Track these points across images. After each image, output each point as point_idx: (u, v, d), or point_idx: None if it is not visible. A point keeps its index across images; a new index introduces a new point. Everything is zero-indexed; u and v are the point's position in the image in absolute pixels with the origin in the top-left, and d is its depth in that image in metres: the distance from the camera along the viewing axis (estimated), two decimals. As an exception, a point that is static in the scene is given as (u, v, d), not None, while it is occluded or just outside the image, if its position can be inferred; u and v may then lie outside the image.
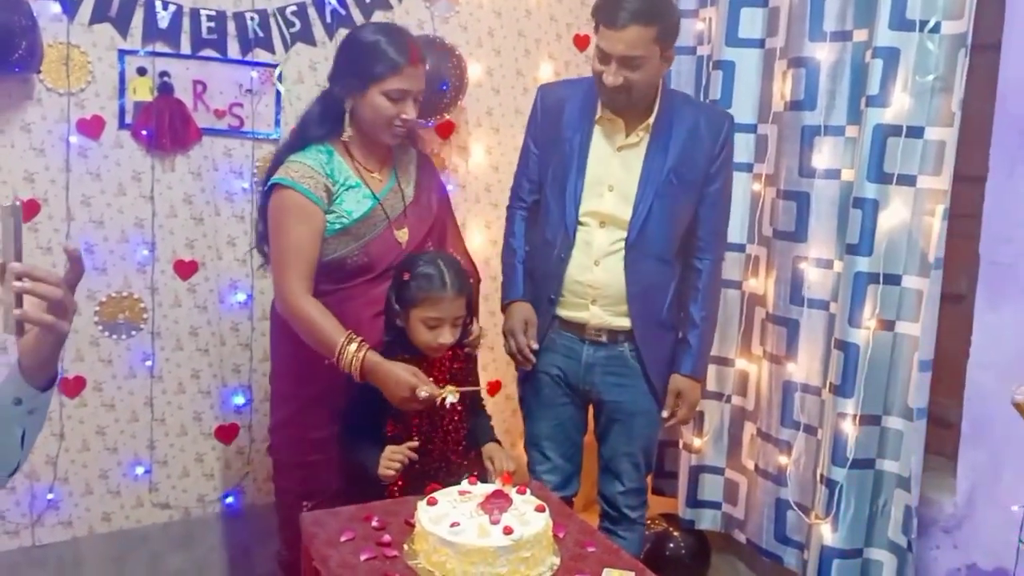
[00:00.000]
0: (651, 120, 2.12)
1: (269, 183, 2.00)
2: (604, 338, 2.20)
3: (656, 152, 2.12)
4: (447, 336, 1.91)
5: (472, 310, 2.05)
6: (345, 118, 2.02)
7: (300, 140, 2.05)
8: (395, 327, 1.97)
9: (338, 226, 2.00)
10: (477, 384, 2.10)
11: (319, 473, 2.10)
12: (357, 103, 2.00)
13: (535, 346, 2.20)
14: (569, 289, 2.19)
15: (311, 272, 1.98)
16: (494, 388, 3.06)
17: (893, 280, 2.12)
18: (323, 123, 2.04)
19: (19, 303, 1.07)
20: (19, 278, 1.06)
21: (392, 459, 1.86)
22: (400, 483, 1.92)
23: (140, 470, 2.64)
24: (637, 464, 2.30)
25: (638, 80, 2.02)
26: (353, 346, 1.89)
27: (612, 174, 2.15)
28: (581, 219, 2.16)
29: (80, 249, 1.04)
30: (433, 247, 2.13)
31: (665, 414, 2.25)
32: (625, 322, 2.17)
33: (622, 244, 2.13)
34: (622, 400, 2.23)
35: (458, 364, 2.03)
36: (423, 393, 1.84)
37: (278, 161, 2.04)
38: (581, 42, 3.08)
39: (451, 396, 1.86)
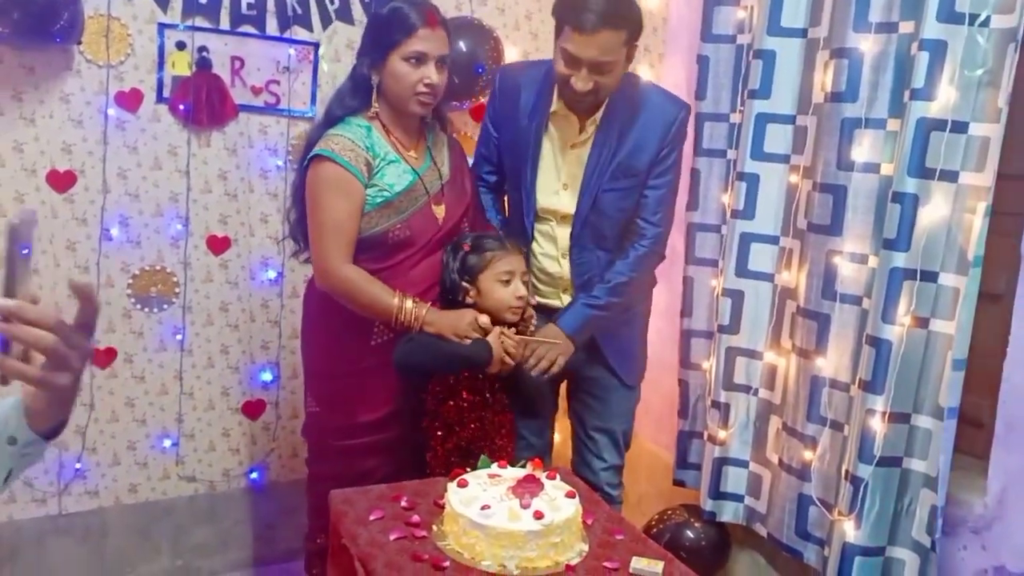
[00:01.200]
0: (598, 115, 2.11)
1: (309, 155, 2.00)
2: None
3: (601, 146, 2.12)
4: (522, 288, 2.00)
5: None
6: (373, 93, 2.03)
7: (331, 116, 2.06)
8: (460, 305, 2.01)
9: (380, 199, 2.00)
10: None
11: (366, 459, 2.09)
12: (383, 76, 2.01)
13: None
14: (539, 279, 2.24)
15: (351, 246, 1.98)
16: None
17: (930, 277, 2.09)
18: (353, 98, 2.05)
19: (5, 347, 0.87)
20: (5, 318, 0.86)
21: (505, 340, 1.94)
22: (443, 455, 1.94)
23: (168, 443, 2.67)
24: (616, 440, 2.34)
25: (608, 83, 2.01)
26: (409, 302, 1.94)
27: (566, 171, 2.16)
28: (541, 214, 2.19)
29: (92, 287, 0.85)
30: (468, 228, 2.14)
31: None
32: None
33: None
34: (597, 376, 2.25)
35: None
36: (483, 319, 1.93)
37: (313, 138, 2.05)
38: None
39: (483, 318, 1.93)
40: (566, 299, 2.22)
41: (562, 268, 2.19)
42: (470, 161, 2.34)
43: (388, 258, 2.03)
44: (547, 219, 2.18)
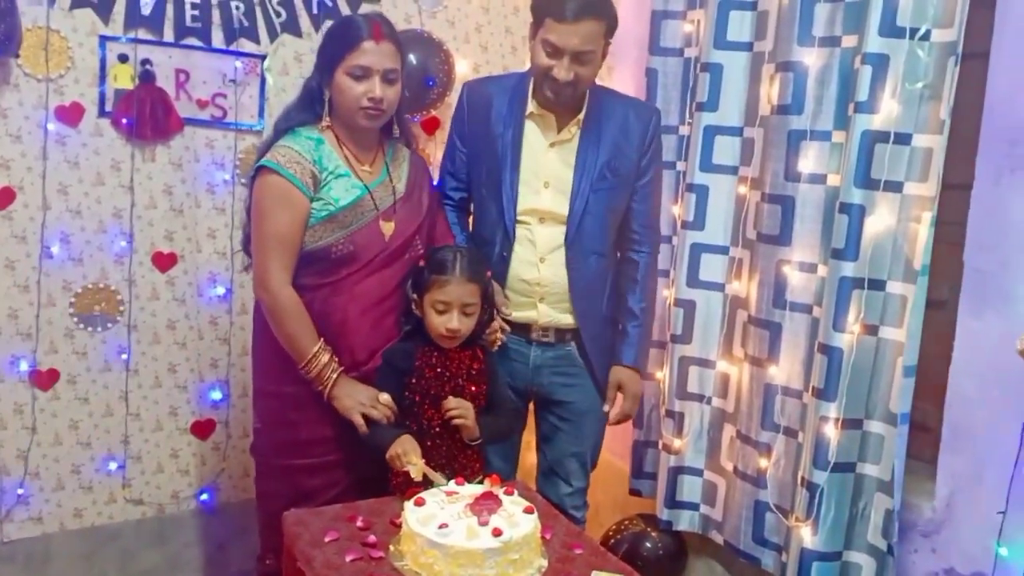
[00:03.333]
0: (581, 116, 2.14)
1: (254, 166, 1.99)
2: (551, 337, 2.22)
3: (589, 147, 2.15)
4: (454, 321, 1.91)
5: (490, 305, 2.05)
6: (324, 106, 2.02)
7: (279, 128, 2.05)
8: (413, 316, 1.99)
9: (324, 213, 1.98)
10: (491, 385, 2.06)
11: (311, 478, 2.05)
12: (332, 90, 2.00)
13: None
14: (514, 288, 2.19)
15: (292, 261, 1.96)
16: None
17: (878, 285, 2.13)
18: (300, 111, 2.04)
19: None
20: None
21: (408, 458, 1.83)
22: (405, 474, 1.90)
23: (113, 465, 2.60)
24: (584, 463, 2.33)
25: (587, 74, 2.05)
26: (325, 357, 1.93)
27: (548, 170, 2.16)
28: (520, 217, 2.17)
29: None
30: (421, 245, 2.11)
31: (606, 408, 2.26)
32: (571, 319, 2.20)
33: (562, 240, 2.16)
34: (572, 400, 2.25)
35: (477, 364, 2.01)
36: (384, 396, 1.91)
37: (263, 150, 2.03)
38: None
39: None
40: (543, 309, 2.18)
41: (540, 273, 2.16)
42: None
43: (331, 273, 2.00)
44: (526, 222, 2.16)
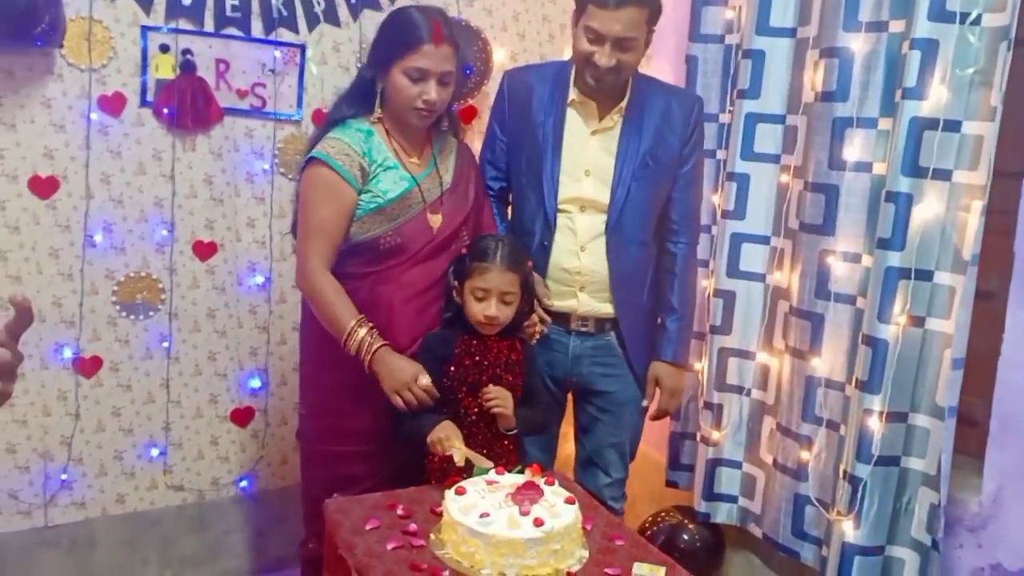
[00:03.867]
0: (624, 103, 2.12)
1: (305, 157, 1.99)
2: (591, 327, 2.20)
3: (631, 135, 2.13)
4: (492, 309, 1.91)
5: (529, 296, 2.04)
6: (376, 98, 2.01)
7: (332, 118, 2.05)
8: (454, 303, 1.99)
9: (373, 205, 1.98)
10: (528, 377, 2.04)
11: (352, 465, 2.06)
12: (385, 84, 1.99)
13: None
14: (554, 277, 2.17)
15: (333, 251, 1.97)
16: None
17: (925, 276, 2.09)
18: (352, 103, 2.04)
19: None
20: None
21: (450, 443, 1.82)
22: (442, 463, 1.90)
23: (155, 452, 2.63)
24: (623, 454, 2.31)
25: (630, 61, 2.04)
26: (363, 331, 1.90)
27: (588, 158, 2.14)
28: (561, 205, 2.15)
29: (29, 300, 0.91)
30: (468, 236, 2.11)
31: (645, 403, 2.25)
32: (611, 309, 2.18)
33: (603, 228, 2.14)
34: (612, 390, 2.23)
35: (515, 355, 2.01)
36: (423, 380, 1.86)
37: (315, 139, 2.04)
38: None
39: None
40: (583, 298, 2.17)
41: (580, 262, 2.15)
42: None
43: (378, 263, 2.01)
44: (567, 211, 2.15)
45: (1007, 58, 1.92)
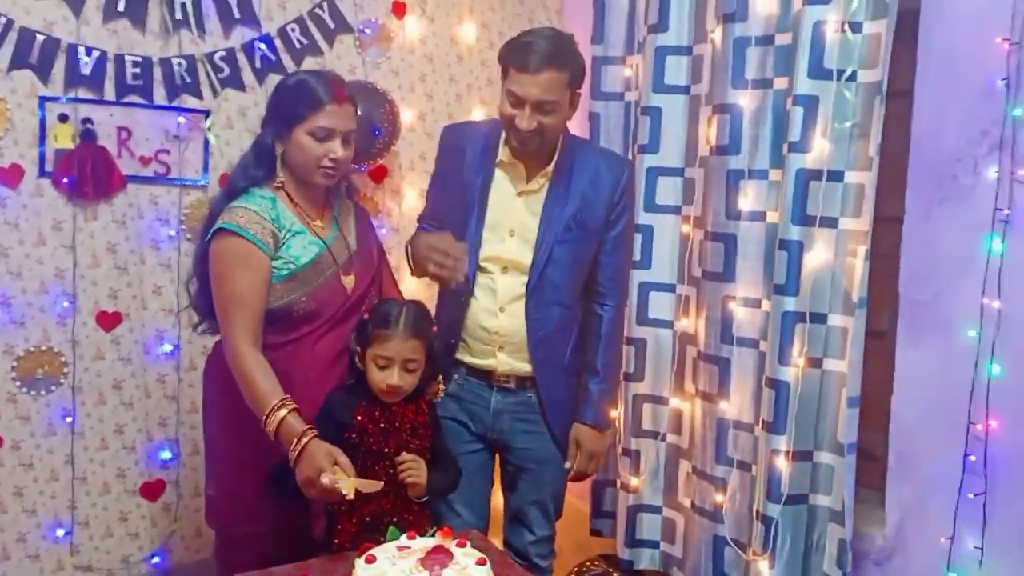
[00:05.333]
0: (551, 168, 2.14)
1: (213, 229, 1.92)
2: (512, 384, 2.18)
3: (556, 199, 2.13)
4: (395, 377, 1.86)
5: (434, 361, 1.99)
6: (277, 163, 1.98)
7: (235, 187, 2.00)
8: (356, 369, 1.93)
9: (286, 272, 1.94)
10: (434, 438, 2.00)
11: (267, 544, 1.95)
12: (287, 146, 1.96)
13: (465, 262, 2.02)
14: (474, 336, 2.16)
15: (258, 321, 1.90)
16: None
17: (819, 319, 2.18)
18: (257, 168, 1.99)
19: None
20: None
21: (332, 476, 1.70)
22: (351, 530, 1.86)
23: (60, 532, 2.53)
24: (547, 512, 2.28)
25: (551, 124, 2.04)
26: (284, 411, 1.79)
27: (513, 218, 2.14)
28: (482, 264, 2.14)
29: None
30: (375, 297, 2.09)
31: (568, 465, 2.24)
32: (530, 368, 2.16)
33: (523, 289, 2.13)
34: (531, 447, 2.21)
35: (420, 417, 1.96)
36: (325, 479, 1.71)
37: (216, 210, 1.98)
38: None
39: (346, 490, 1.70)
40: (502, 357, 2.15)
41: (499, 322, 2.13)
42: (376, 219, 2.32)
43: (293, 330, 1.97)
44: (488, 270, 2.14)
45: (881, 111, 2.05)
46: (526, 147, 2.08)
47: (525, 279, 2.13)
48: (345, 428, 1.88)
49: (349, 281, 2.04)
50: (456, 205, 2.17)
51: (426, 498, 1.93)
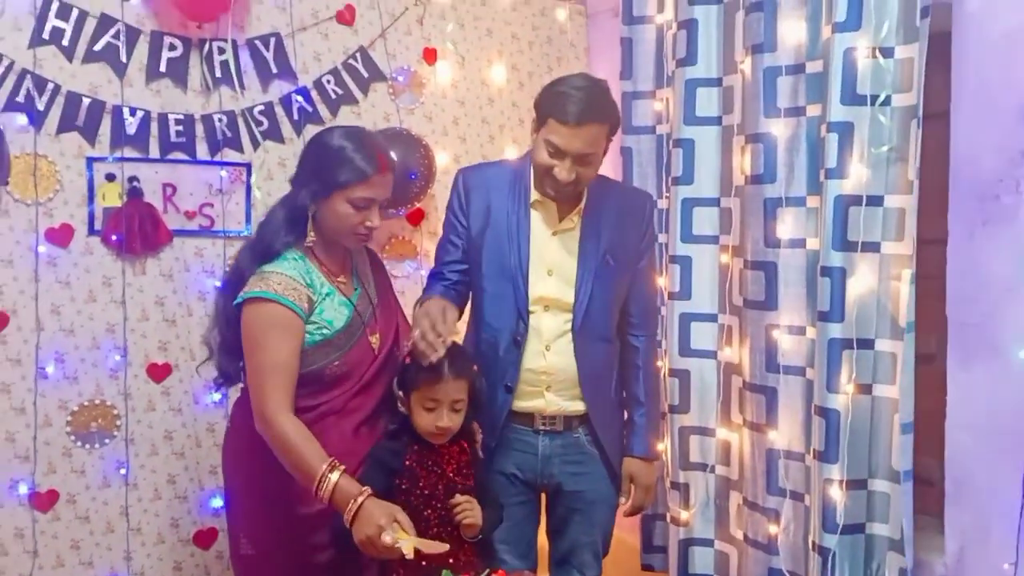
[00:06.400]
0: (583, 205, 2.14)
1: (247, 295, 1.88)
2: (559, 425, 2.16)
3: (590, 235, 2.14)
4: (445, 420, 1.88)
5: (477, 399, 2.00)
6: (308, 223, 1.95)
7: (267, 248, 1.95)
8: (399, 414, 1.94)
9: (319, 337, 1.92)
10: (478, 476, 2.01)
11: None
12: (320, 208, 1.93)
13: (449, 340, 1.93)
14: (522, 379, 2.13)
15: (293, 388, 1.87)
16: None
17: (867, 344, 2.16)
18: (290, 230, 1.95)
19: None
20: None
21: (393, 535, 1.69)
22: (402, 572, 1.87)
23: (117, 584, 2.56)
24: (597, 553, 2.26)
25: (589, 174, 2.05)
26: (335, 475, 1.76)
27: (552, 258, 2.14)
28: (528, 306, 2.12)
29: None
30: (399, 348, 2.07)
31: (622, 500, 2.24)
32: (579, 406, 2.15)
33: (568, 327, 2.12)
34: (583, 489, 2.20)
35: (464, 457, 1.98)
36: (387, 538, 1.69)
37: (244, 267, 1.95)
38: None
39: (407, 550, 1.69)
40: (550, 397, 2.13)
41: (547, 362, 2.12)
42: (415, 261, 2.29)
43: (325, 393, 1.95)
44: (532, 310, 2.12)
45: (918, 134, 2.04)
46: (561, 195, 2.09)
47: (568, 316, 2.13)
48: (396, 474, 1.89)
49: (375, 340, 2.03)
50: (493, 247, 2.15)
51: (480, 538, 1.94)
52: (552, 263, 2.14)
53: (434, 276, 2.23)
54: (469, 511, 1.88)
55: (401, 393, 1.94)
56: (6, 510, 2.40)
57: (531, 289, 2.12)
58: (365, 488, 1.77)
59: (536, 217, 2.16)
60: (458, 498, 1.89)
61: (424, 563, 1.84)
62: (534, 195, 2.14)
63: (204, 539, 2.67)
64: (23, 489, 2.42)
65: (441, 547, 1.75)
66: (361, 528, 1.72)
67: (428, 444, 1.93)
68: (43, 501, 2.45)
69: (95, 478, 2.51)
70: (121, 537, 2.56)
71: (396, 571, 1.88)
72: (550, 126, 2.00)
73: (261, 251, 1.95)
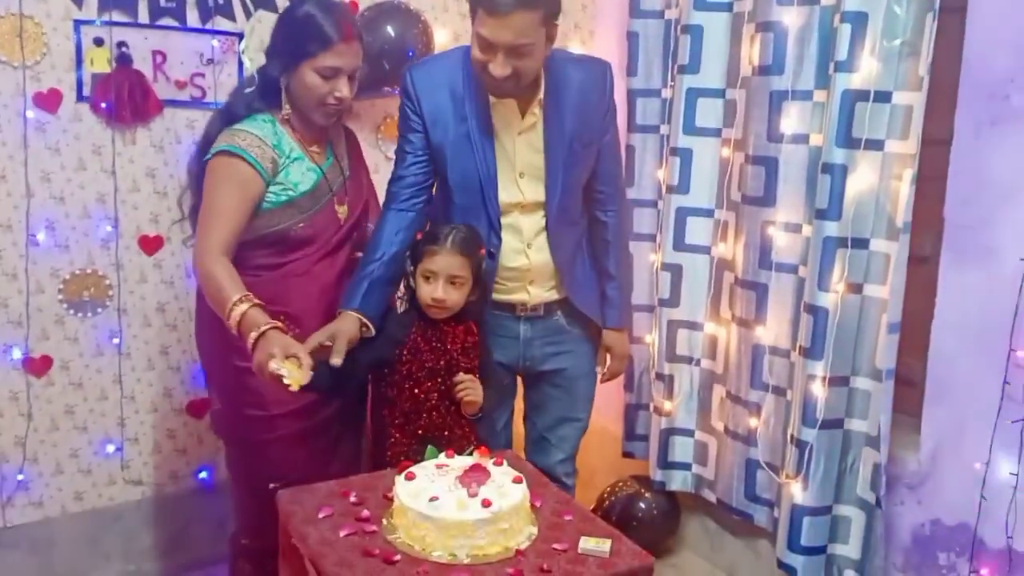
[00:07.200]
0: (541, 95, 2.03)
1: (214, 150, 1.94)
2: (540, 311, 2.19)
3: (554, 126, 2.05)
4: (440, 291, 1.93)
5: (482, 284, 2.04)
6: (282, 95, 1.99)
7: (236, 113, 2.00)
8: (409, 288, 2.02)
9: (284, 198, 1.98)
10: (482, 359, 2.06)
11: (277, 454, 2.03)
12: (291, 80, 1.97)
13: (337, 362, 1.86)
14: (504, 276, 2.13)
15: (233, 239, 1.92)
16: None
17: (861, 244, 2.15)
18: (260, 100, 2.01)
19: None
20: None
21: (278, 364, 1.69)
22: (404, 442, 1.97)
23: (111, 448, 2.62)
24: (579, 429, 2.34)
25: (528, 66, 1.90)
26: (246, 305, 1.79)
27: (520, 160, 2.07)
28: (503, 209, 2.08)
29: None
30: (366, 222, 2.14)
31: (599, 370, 2.31)
32: (557, 294, 2.18)
33: (543, 223, 2.11)
34: (564, 367, 2.24)
35: (471, 338, 2.03)
36: (272, 364, 1.70)
37: (213, 133, 2.00)
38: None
39: (289, 380, 1.70)
40: (534, 291, 2.15)
41: (529, 259, 2.11)
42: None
43: (290, 253, 2.01)
44: (507, 212, 2.09)
45: (933, 28, 1.97)
46: (499, 92, 1.97)
47: (542, 213, 2.10)
48: (399, 344, 1.96)
49: (343, 211, 2.09)
50: (457, 153, 2.04)
51: (480, 416, 2.02)
52: (522, 165, 2.08)
53: (390, 199, 2.09)
54: (471, 389, 1.96)
55: (411, 267, 2.00)
56: (0, 373, 2.44)
57: (503, 195, 2.07)
58: (275, 322, 1.80)
59: (498, 117, 2.04)
60: (461, 376, 1.97)
61: (421, 431, 1.96)
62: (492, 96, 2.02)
63: (197, 408, 2.71)
64: (17, 354, 2.45)
65: (305, 374, 1.72)
66: (256, 354, 1.76)
67: (433, 321, 1.99)
68: (37, 366, 2.48)
69: (88, 346, 2.54)
70: (115, 404, 2.61)
71: (392, 436, 1.99)
72: (480, 18, 1.86)
73: (228, 118, 2.01)
